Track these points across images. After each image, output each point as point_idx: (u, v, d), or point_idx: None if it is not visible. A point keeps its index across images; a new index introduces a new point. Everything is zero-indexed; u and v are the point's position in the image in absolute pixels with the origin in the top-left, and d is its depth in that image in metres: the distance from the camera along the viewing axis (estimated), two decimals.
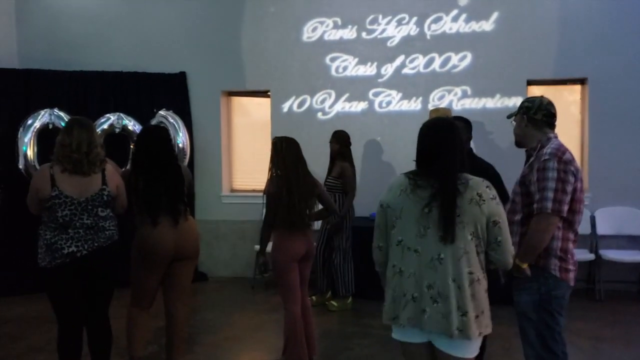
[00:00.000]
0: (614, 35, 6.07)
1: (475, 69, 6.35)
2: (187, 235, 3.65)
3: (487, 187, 2.37)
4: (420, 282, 2.31)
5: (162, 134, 3.77)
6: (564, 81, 6.37)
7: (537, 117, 2.87)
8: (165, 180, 3.58)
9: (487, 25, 6.30)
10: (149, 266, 3.57)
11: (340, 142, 5.70)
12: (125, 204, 3.57)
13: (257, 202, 6.64)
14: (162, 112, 6.16)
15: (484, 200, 2.31)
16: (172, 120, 6.12)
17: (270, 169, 4.00)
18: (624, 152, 6.05)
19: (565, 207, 2.68)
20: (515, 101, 6.23)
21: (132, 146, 5.96)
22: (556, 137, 2.87)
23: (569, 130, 6.22)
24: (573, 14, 6.12)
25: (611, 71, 6.09)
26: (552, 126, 2.91)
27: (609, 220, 6.04)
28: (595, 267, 5.95)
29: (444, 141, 2.39)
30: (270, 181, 3.96)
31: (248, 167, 7.11)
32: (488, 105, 6.35)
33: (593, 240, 6.04)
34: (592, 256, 5.89)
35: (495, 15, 6.27)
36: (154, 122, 6.20)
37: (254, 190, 6.96)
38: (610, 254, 5.85)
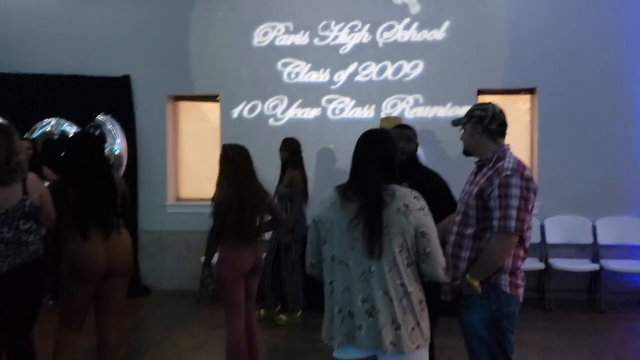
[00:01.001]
0: (563, 45, 6.15)
1: (427, 77, 6.32)
2: (120, 249, 3.40)
3: (414, 197, 2.33)
4: (355, 296, 2.28)
5: (94, 141, 3.55)
6: (514, 90, 6.40)
7: (492, 127, 2.75)
8: (97, 190, 3.33)
9: (438, 34, 6.29)
10: (78, 283, 3.29)
11: (290, 150, 5.56)
12: (53, 216, 3.29)
13: (204, 212, 6.29)
14: (100, 117, 5.87)
15: (410, 211, 2.28)
16: (110, 126, 5.85)
17: (220, 177, 3.83)
18: (573, 161, 6.13)
19: (526, 226, 2.63)
20: (466, 110, 6.19)
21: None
22: (509, 147, 2.78)
23: (518, 140, 6.24)
24: (522, 25, 6.18)
25: (560, 81, 6.17)
26: (504, 135, 2.80)
27: (558, 229, 6.09)
28: (544, 276, 5.98)
29: (365, 153, 2.38)
30: (220, 189, 3.79)
31: (195, 175, 6.87)
32: (439, 114, 6.33)
33: (542, 249, 6.07)
34: (541, 265, 5.91)
35: (446, 24, 6.26)
36: (91, 126, 5.89)
37: (201, 199, 6.68)
38: (560, 263, 5.88)
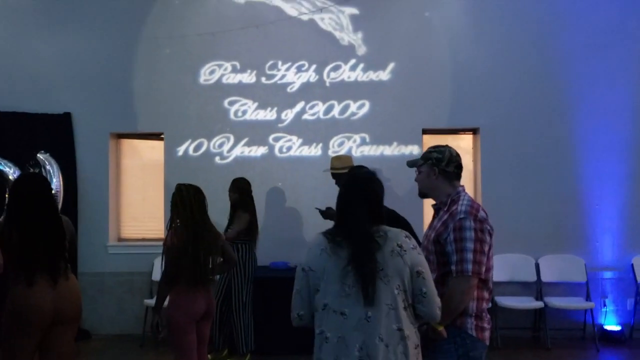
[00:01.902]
0: (505, 86, 6.41)
1: (373, 117, 6.46)
2: (68, 296, 3.26)
3: (406, 237, 2.32)
4: (351, 345, 2.21)
5: (41, 182, 3.43)
6: (458, 130, 6.60)
7: (448, 170, 2.78)
8: (44, 233, 3.22)
9: (383, 75, 6.46)
10: (23, 332, 3.12)
11: (240, 191, 5.54)
12: (1, 261, 3.10)
13: (147, 252, 6.35)
14: (41, 156, 5.74)
15: (405, 251, 2.26)
16: (47, 166, 5.72)
17: (173, 219, 3.78)
18: (516, 200, 6.31)
19: (484, 268, 2.62)
20: (412, 149, 6.39)
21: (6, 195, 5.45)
22: (463, 188, 2.82)
23: (462, 179, 6.38)
24: (464, 66, 6.42)
25: (502, 121, 6.40)
26: (459, 178, 2.84)
27: (502, 267, 6.20)
28: (490, 314, 6.05)
29: (353, 195, 2.36)
30: (174, 232, 3.73)
31: (138, 214, 6.74)
32: (386, 153, 6.45)
33: None
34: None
35: (391, 65, 6.45)
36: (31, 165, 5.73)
37: (143, 239, 6.60)
38: (505, 301, 6.00)
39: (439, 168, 2.78)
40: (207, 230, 3.81)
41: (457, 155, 2.84)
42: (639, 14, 6.36)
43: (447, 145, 2.87)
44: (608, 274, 6.30)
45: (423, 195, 2.91)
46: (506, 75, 6.42)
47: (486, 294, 2.71)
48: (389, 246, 2.25)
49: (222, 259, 4.02)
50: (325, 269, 2.28)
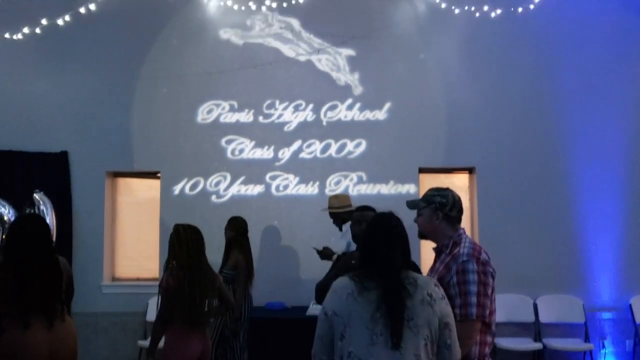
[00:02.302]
0: (501, 125, 6.52)
1: (369, 155, 6.53)
2: (64, 339, 3.26)
3: (435, 285, 2.30)
4: None
5: (39, 223, 3.46)
6: (454, 169, 6.68)
7: (452, 214, 2.80)
8: (40, 275, 3.22)
9: (380, 115, 6.56)
10: None
11: (237, 229, 5.53)
12: None
13: (141, 292, 6.33)
14: (36, 195, 5.76)
15: (434, 300, 2.23)
16: (42, 207, 5.73)
17: (169, 259, 3.81)
18: (513, 239, 6.35)
19: (488, 311, 2.61)
20: (408, 188, 6.44)
21: (2, 236, 5.45)
22: (464, 231, 2.83)
23: None
24: (459, 107, 6.53)
25: (498, 160, 6.49)
26: (460, 221, 2.86)
27: (500, 307, 6.06)
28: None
29: (385, 237, 2.32)
30: (170, 273, 3.74)
31: (133, 253, 6.72)
32: (382, 191, 6.50)
33: None
34: None
35: (387, 105, 6.56)
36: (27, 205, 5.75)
37: (138, 279, 6.58)
38: (504, 342, 5.98)
39: (443, 212, 2.79)
40: (204, 272, 3.82)
41: (459, 199, 2.86)
42: (631, 56, 6.52)
43: (449, 189, 2.88)
44: (606, 315, 6.31)
45: (423, 236, 2.91)
46: (501, 115, 6.53)
47: (489, 338, 2.69)
48: (420, 294, 2.22)
49: (218, 302, 4.02)
50: (352, 315, 2.21)
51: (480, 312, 2.56)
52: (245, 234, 5.57)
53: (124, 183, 6.88)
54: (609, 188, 6.38)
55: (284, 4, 6.52)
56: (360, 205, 4.22)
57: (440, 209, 2.80)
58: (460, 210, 2.84)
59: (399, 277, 2.23)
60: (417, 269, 3.67)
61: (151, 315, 6.04)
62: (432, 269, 2.83)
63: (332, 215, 5.35)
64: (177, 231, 3.87)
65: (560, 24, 6.51)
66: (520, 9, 6.30)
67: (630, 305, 6.24)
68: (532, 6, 6.27)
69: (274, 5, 6.55)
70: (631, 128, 6.45)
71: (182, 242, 3.82)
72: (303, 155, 6.58)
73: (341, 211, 5.36)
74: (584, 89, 6.46)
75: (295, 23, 6.61)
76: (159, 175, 6.63)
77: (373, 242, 2.33)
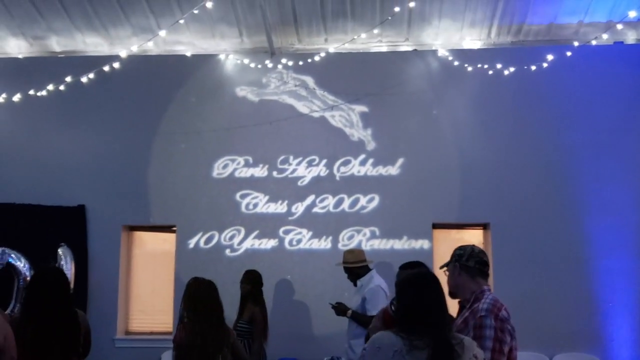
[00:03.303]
0: (514, 181, 6.69)
1: (382, 210, 6.70)
2: None
3: (477, 346, 2.35)
4: None
5: (58, 277, 3.60)
6: (468, 225, 6.80)
7: (469, 264, 2.90)
8: (59, 329, 3.35)
9: (393, 170, 6.76)
10: None
11: (253, 282, 5.61)
12: (16, 357, 3.20)
13: (155, 347, 6.44)
14: (60, 250, 5.96)
15: None
16: (62, 261, 5.92)
17: (183, 314, 3.92)
18: (528, 296, 6.41)
19: None
20: (422, 243, 6.57)
21: (17, 288, 5.64)
22: (489, 289, 2.91)
23: None
24: (472, 162, 6.72)
25: (512, 216, 6.63)
26: (485, 275, 2.94)
27: None
28: None
29: (435, 296, 2.34)
30: (183, 327, 3.86)
31: (147, 307, 6.87)
32: (396, 247, 6.63)
33: None
34: None
35: (400, 160, 6.76)
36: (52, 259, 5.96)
37: (152, 333, 6.69)
38: None
39: (460, 263, 2.93)
40: (217, 326, 3.89)
41: (480, 252, 2.97)
42: (638, 111, 6.67)
43: (472, 245, 3.02)
44: None
45: (452, 295, 2.99)
46: (514, 172, 6.69)
47: None
48: (467, 356, 2.25)
49: (232, 357, 4.09)
50: None
51: None
52: (261, 287, 5.68)
53: (139, 237, 7.10)
54: (622, 245, 6.47)
55: (300, 62, 6.82)
56: (410, 261, 4.24)
57: (458, 261, 2.94)
58: (480, 262, 2.92)
59: (449, 337, 2.25)
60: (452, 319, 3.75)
61: None
62: (454, 324, 2.88)
63: (346, 270, 5.40)
64: (190, 285, 3.99)
65: (573, 82, 6.74)
66: (533, 67, 6.52)
67: None
68: (545, 64, 6.48)
69: (290, 63, 6.86)
70: None
71: (194, 296, 3.91)
72: (316, 209, 6.76)
73: (356, 266, 5.41)
74: (594, 146, 6.64)
75: (309, 81, 6.91)
76: (174, 228, 6.83)
77: (423, 299, 2.32)
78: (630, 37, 6.75)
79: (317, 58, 6.75)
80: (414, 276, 2.45)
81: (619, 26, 6.36)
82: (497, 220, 6.66)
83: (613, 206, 6.53)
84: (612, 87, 6.69)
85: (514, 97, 6.77)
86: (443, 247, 6.53)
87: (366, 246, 6.61)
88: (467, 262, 2.91)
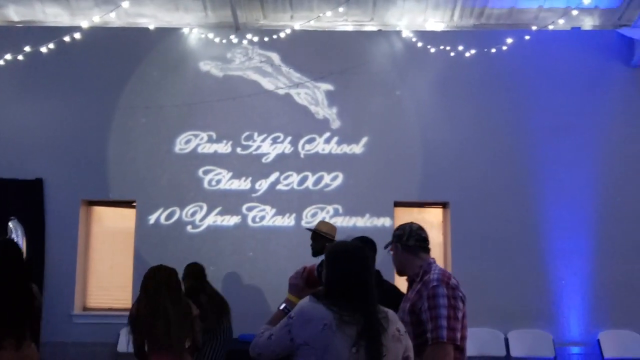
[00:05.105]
0: (472, 162, 7.06)
1: (346, 188, 6.97)
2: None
3: (400, 319, 2.47)
4: None
5: (12, 249, 3.74)
6: (428, 204, 7.11)
7: (410, 243, 3.09)
8: (11, 301, 3.54)
9: (357, 149, 7.02)
10: None
11: (195, 276, 5.36)
12: None
13: (113, 322, 6.55)
14: (10, 224, 6.00)
15: (402, 335, 2.39)
16: (13, 235, 5.97)
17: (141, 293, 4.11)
18: (485, 274, 6.81)
19: (459, 335, 2.81)
20: (384, 221, 6.86)
21: None
22: (434, 260, 3.11)
23: (433, 252, 6.82)
24: (434, 143, 7.06)
25: (471, 196, 7.00)
26: (426, 250, 3.14)
27: (471, 341, 6.47)
28: None
29: (362, 270, 2.40)
30: (138, 302, 4.03)
31: (106, 283, 7.01)
32: (358, 224, 6.89)
33: None
34: None
35: (364, 139, 7.04)
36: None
37: (110, 309, 6.80)
38: None
39: (401, 243, 3.14)
40: (173, 304, 4.04)
41: (419, 228, 3.19)
42: (600, 98, 7.10)
43: (411, 222, 3.26)
44: (575, 350, 6.77)
45: (399, 272, 3.20)
46: (475, 153, 7.05)
47: None
48: (391, 329, 2.35)
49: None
50: (329, 348, 2.26)
51: (451, 335, 2.78)
52: (204, 279, 5.45)
53: (98, 212, 7.20)
54: (578, 226, 6.90)
55: (265, 39, 6.99)
56: (359, 236, 4.43)
57: (399, 241, 3.15)
58: (419, 239, 3.14)
59: (376, 312, 2.34)
60: (398, 291, 3.98)
61: (122, 346, 6.24)
62: (405, 298, 3.11)
63: (315, 237, 5.38)
64: (151, 269, 4.16)
65: (532, 66, 7.14)
66: (493, 50, 6.84)
67: (598, 341, 6.67)
68: (504, 47, 6.81)
69: (255, 39, 7.02)
70: (599, 169, 7.02)
71: (151, 276, 4.10)
72: (280, 187, 6.97)
73: (326, 237, 5.40)
74: (554, 130, 7.04)
75: (275, 57, 7.10)
76: (134, 204, 6.94)
77: (351, 273, 2.39)
78: (587, 23, 7.17)
79: (282, 35, 6.92)
80: (343, 249, 2.50)
81: (575, 12, 6.81)
82: (457, 199, 7.01)
83: (569, 188, 6.96)
84: (569, 72, 7.11)
85: (476, 80, 7.13)
86: None
87: None
88: (408, 241, 3.10)
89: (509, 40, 6.81)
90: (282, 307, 2.72)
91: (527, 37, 6.82)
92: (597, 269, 6.85)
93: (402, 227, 3.21)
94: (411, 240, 3.12)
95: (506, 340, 6.69)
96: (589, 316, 6.81)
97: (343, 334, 2.25)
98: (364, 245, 2.74)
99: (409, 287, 3.14)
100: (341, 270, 2.41)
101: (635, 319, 6.72)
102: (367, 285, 2.38)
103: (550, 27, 6.76)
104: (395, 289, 4.21)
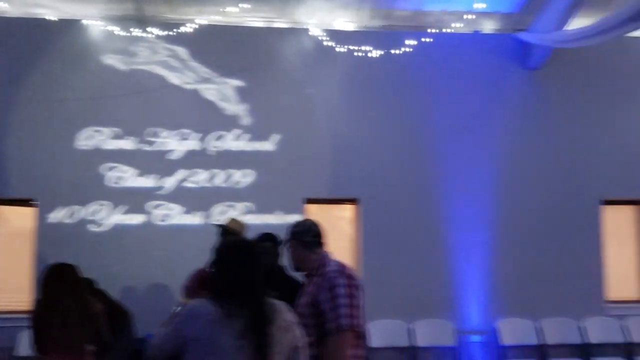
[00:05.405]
0: (381, 159, 7.28)
1: (256, 186, 7.01)
2: None
3: (289, 310, 2.52)
4: None
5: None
6: (339, 200, 7.26)
7: (307, 240, 3.21)
8: None
9: (268, 146, 7.07)
10: None
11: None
12: None
13: (12, 325, 6.31)
14: None
15: (290, 326, 2.46)
16: None
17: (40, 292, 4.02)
18: (392, 268, 7.06)
19: (357, 322, 2.95)
20: (294, 218, 6.86)
21: None
22: (328, 253, 3.23)
23: (344, 247, 7.05)
24: (343, 140, 7.23)
25: (378, 192, 7.23)
26: (321, 245, 3.26)
27: (379, 333, 6.81)
28: None
29: (247, 264, 2.46)
30: (37, 302, 3.92)
31: (4, 284, 6.71)
32: (269, 222, 6.92)
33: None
34: None
35: (275, 136, 7.09)
36: None
37: (8, 312, 6.51)
38: None
39: (299, 240, 3.25)
40: (72, 302, 4.00)
41: (314, 224, 3.32)
42: (500, 101, 7.50)
43: (307, 219, 3.43)
44: (475, 338, 7.10)
45: (296, 268, 3.33)
46: (383, 151, 7.29)
47: (361, 352, 3.07)
48: (279, 321, 2.42)
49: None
50: (215, 342, 2.31)
51: (351, 322, 2.93)
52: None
53: None
54: (477, 220, 7.28)
55: (172, 32, 6.89)
56: (264, 232, 4.59)
57: (296, 238, 3.26)
58: (315, 236, 3.26)
59: (263, 304, 2.42)
60: (295, 282, 4.06)
61: (22, 349, 6.01)
62: (304, 293, 3.20)
63: (222, 234, 5.37)
64: (52, 267, 4.05)
65: (435, 68, 7.43)
66: (398, 51, 7.06)
67: (496, 329, 7.05)
68: (408, 49, 7.03)
69: (161, 33, 6.89)
70: (497, 166, 7.40)
71: (54, 274, 4.03)
72: (188, 184, 6.91)
73: (234, 234, 5.42)
74: (456, 129, 7.38)
75: (182, 52, 7.02)
76: (34, 202, 6.69)
77: (238, 268, 2.45)
78: (488, 27, 7.51)
79: (189, 29, 6.84)
80: (230, 245, 2.58)
81: (472, 17, 7.12)
82: (366, 196, 7.20)
83: (470, 184, 7.32)
84: (470, 74, 7.46)
85: (383, 79, 7.34)
86: None
87: None
88: (304, 237, 3.22)
89: (414, 42, 7.05)
90: (176, 310, 2.73)
91: (428, 40, 7.07)
92: (496, 261, 7.24)
93: (298, 224, 3.35)
94: (308, 237, 3.23)
95: (411, 331, 6.96)
96: (488, 306, 7.19)
97: (230, 327, 2.31)
98: (251, 240, 2.84)
99: (308, 282, 3.22)
100: (227, 266, 2.47)
101: (530, 307, 7.16)
102: (253, 279, 2.44)
103: (449, 30, 7.04)
104: (300, 284, 4.30)
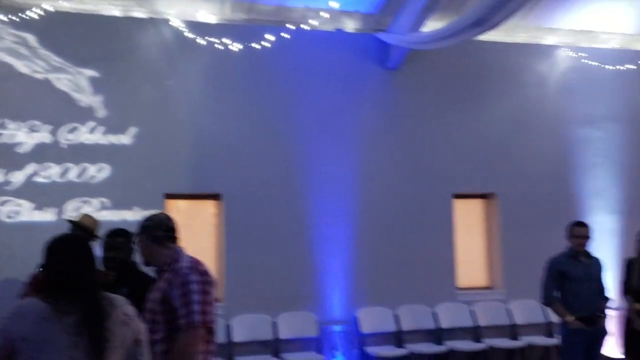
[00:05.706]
0: (243, 154, 7.31)
1: (113, 180, 6.80)
2: None
3: (127, 304, 2.46)
4: None
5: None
6: (202, 195, 7.20)
7: (157, 234, 3.17)
8: None
9: (125, 139, 6.87)
10: None
11: None
12: None
13: None
14: None
15: (130, 319, 2.41)
16: None
17: None
18: (256, 263, 7.13)
19: (209, 318, 2.99)
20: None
21: None
22: (182, 249, 3.22)
23: (207, 242, 7.02)
24: (205, 135, 7.19)
25: (242, 187, 7.26)
26: (174, 240, 3.24)
27: (242, 327, 6.88)
28: None
29: (79, 259, 2.40)
30: None
31: None
32: (127, 218, 6.72)
33: (229, 349, 6.77)
34: None
35: (132, 130, 6.90)
36: None
37: None
38: None
39: (149, 235, 3.21)
40: None
41: (166, 218, 3.31)
42: (361, 98, 7.77)
43: (160, 213, 3.42)
44: (337, 327, 7.33)
45: (147, 263, 3.29)
46: (246, 145, 7.33)
47: (212, 347, 3.11)
48: (116, 314, 2.36)
49: None
50: (47, 341, 2.24)
51: (203, 319, 2.97)
52: None
53: None
54: (340, 215, 7.54)
55: (17, 18, 6.45)
56: (115, 228, 4.44)
57: (146, 233, 3.22)
58: (168, 230, 3.23)
59: (98, 299, 2.37)
60: (148, 277, 3.99)
61: None
62: (155, 289, 3.17)
63: (74, 230, 5.20)
64: None
65: (297, 64, 7.56)
66: (258, 46, 7.10)
67: (357, 318, 7.32)
68: (268, 44, 7.09)
69: (5, 18, 6.44)
70: (356, 163, 7.68)
71: None
72: (38, 179, 6.57)
73: (87, 230, 5.24)
74: (318, 125, 7.58)
75: (30, 39, 6.64)
76: None
77: (66, 263, 2.38)
78: (349, 26, 7.77)
79: (37, 14, 6.46)
80: (56, 241, 2.48)
81: (326, 15, 7.24)
82: (229, 191, 7.21)
83: (332, 179, 7.55)
84: (331, 71, 7.68)
85: (244, 74, 7.37)
86: (175, 217, 6.77)
87: (96, 217, 6.56)
88: (155, 232, 3.18)
89: (276, 37, 7.13)
90: None
91: (288, 36, 7.14)
92: (356, 253, 7.52)
93: (150, 218, 3.29)
94: (159, 231, 3.20)
95: (275, 324, 7.06)
96: (349, 296, 7.46)
97: (61, 324, 2.25)
98: (78, 235, 2.74)
99: (159, 278, 3.19)
100: (55, 262, 2.41)
101: (387, 296, 7.51)
102: (83, 273, 2.39)
103: (307, 27, 7.18)
104: (153, 279, 4.25)
